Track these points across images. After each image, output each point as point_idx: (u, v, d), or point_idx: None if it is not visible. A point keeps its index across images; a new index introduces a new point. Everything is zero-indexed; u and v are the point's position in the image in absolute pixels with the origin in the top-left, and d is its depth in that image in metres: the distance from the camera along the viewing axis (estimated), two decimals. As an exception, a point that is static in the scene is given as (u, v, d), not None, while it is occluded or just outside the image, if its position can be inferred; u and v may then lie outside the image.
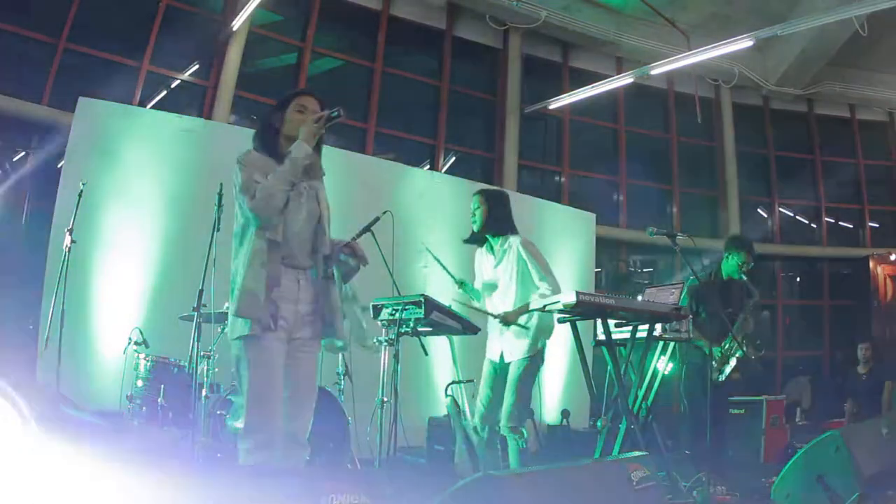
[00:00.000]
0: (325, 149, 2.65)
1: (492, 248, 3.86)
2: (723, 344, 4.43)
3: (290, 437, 2.37)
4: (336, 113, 2.48)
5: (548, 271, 3.72)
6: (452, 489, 2.02)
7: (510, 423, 3.60)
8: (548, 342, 3.76)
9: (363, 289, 4.37)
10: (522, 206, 7.35)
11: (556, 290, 3.66)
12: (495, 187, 4.03)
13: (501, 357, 3.72)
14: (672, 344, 4.48)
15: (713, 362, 4.35)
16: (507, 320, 3.64)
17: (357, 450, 4.62)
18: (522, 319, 3.66)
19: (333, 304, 2.52)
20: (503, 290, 3.75)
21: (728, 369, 4.47)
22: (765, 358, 9.46)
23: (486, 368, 3.83)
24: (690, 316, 4.31)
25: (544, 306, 3.62)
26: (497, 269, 3.79)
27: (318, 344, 2.52)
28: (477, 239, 3.91)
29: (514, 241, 3.76)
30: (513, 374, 3.64)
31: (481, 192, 3.94)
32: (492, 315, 3.70)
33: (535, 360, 3.66)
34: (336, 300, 2.55)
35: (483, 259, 3.93)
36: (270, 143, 2.52)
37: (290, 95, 2.59)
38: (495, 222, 3.81)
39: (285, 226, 2.41)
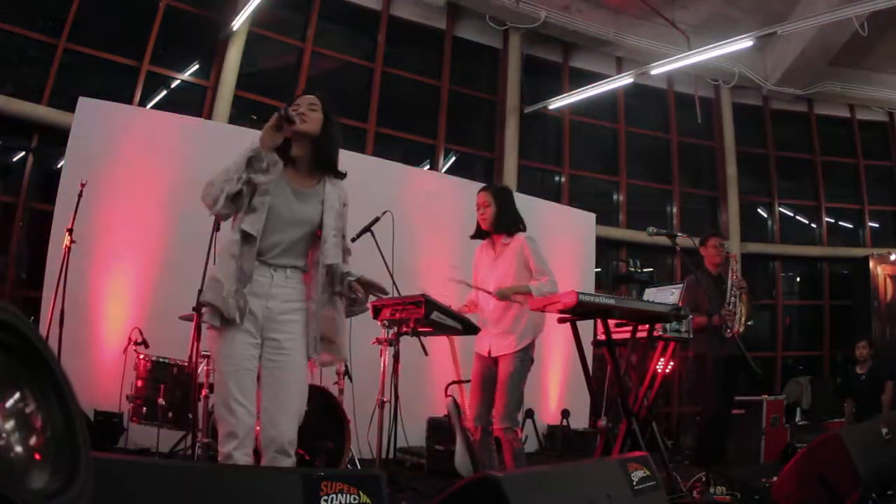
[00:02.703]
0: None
1: (493, 243, 3.83)
2: (720, 311, 4.54)
3: (271, 443, 2.31)
4: (282, 110, 2.40)
5: (548, 269, 3.69)
6: (452, 489, 2.02)
7: (503, 424, 3.52)
8: (538, 340, 3.70)
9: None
10: (522, 206, 7.34)
11: (553, 287, 3.65)
12: (500, 184, 3.95)
13: (490, 353, 3.67)
14: (671, 344, 4.49)
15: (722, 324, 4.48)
16: (503, 294, 3.59)
17: (357, 450, 4.62)
18: (517, 307, 3.62)
19: (332, 322, 2.46)
20: (498, 282, 3.71)
21: (737, 322, 4.69)
22: (765, 358, 9.53)
23: (475, 367, 3.77)
24: (690, 315, 4.33)
25: (544, 306, 3.61)
26: (496, 261, 3.76)
27: (303, 353, 2.43)
28: (483, 235, 3.87)
29: (518, 238, 3.74)
30: (503, 372, 3.59)
31: (489, 190, 3.86)
32: (487, 291, 3.65)
33: (524, 357, 3.60)
34: (335, 318, 2.48)
35: (483, 254, 3.88)
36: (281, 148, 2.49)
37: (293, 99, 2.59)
38: (505, 221, 3.76)
39: (267, 222, 2.38)
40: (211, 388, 4.13)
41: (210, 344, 2.40)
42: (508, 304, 3.63)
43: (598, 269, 8.54)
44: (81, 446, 1.10)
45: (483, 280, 3.82)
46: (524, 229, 3.80)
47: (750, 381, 7.50)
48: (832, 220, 10.55)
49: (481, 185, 4.33)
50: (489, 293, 3.64)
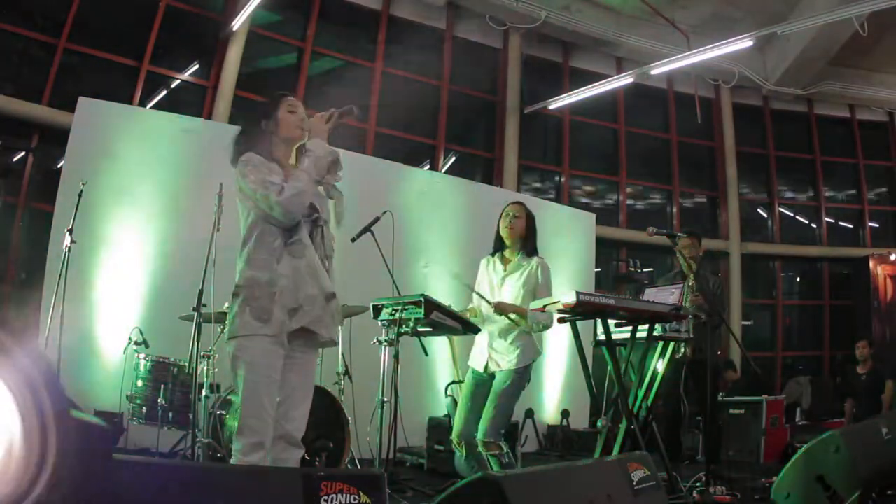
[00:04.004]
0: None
1: (503, 258, 3.72)
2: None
3: (285, 437, 2.36)
4: (350, 110, 2.49)
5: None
6: (452, 489, 2.02)
7: (486, 438, 3.43)
8: (534, 364, 3.61)
9: (363, 289, 4.40)
10: (522, 206, 7.38)
11: (550, 319, 3.60)
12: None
13: (486, 367, 3.60)
14: (671, 344, 4.49)
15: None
16: (500, 308, 3.50)
17: (357, 450, 4.62)
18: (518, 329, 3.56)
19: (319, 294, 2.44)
20: (506, 300, 3.62)
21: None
22: (765, 358, 9.53)
23: (468, 381, 3.71)
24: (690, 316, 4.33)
25: (544, 306, 3.60)
26: (506, 279, 3.66)
27: (311, 343, 2.46)
28: (498, 246, 3.75)
29: (534, 260, 3.64)
30: (497, 386, 3.52)
31: (523, 205, 3.79)
32: (486, 301, 3.58)
33: (521, 376, 3.53)
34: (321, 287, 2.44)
35: (490, 268, 3.77)
36: (264, 148, 2.46)
37: (276, 98, 2.54)
38: (530, 239, 3.69)
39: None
40: (211, 388, 4.14)
41: (238, 352, 2.34)
42: (513, 325, 3.55)
43: (598, 269, 8.54)
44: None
45: (485, 294, 3.72)
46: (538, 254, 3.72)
47: (749, 381, 7.52)
48: (832, 220, 10.55)
49: (482, 185, 4.33)
50: (489, 303, 3.56)
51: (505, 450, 3.47)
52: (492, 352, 3.60)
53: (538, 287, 3.60)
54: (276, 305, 2.31)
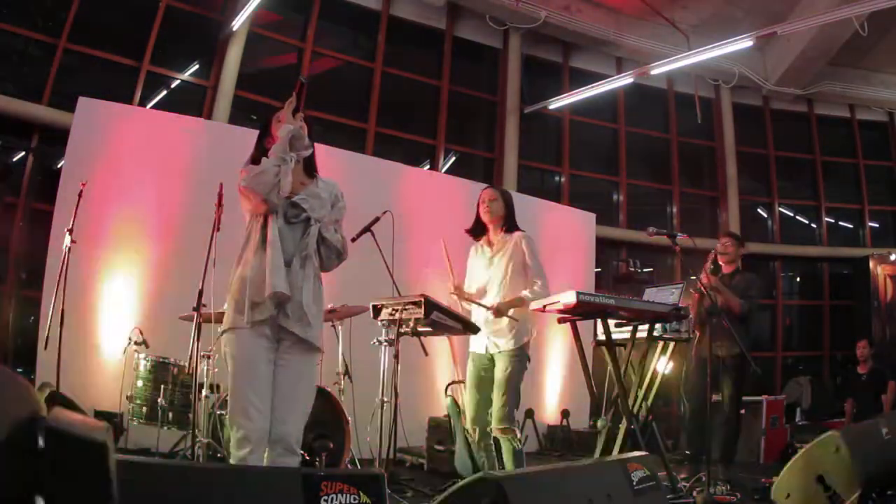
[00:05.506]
0: (325, 149, 2.67)
1: (489, 242, 3.80)
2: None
3: (281, 442, 2.37)
4: (300, 83, 2.58)
5: (542, 272, 3.69)
6: (452, 489, 2.02)
7: (501, 425, 3.51)
8: (535, 340, 3.70)
9: (363, 289, 4.39)
10: (522, 206, 7.35)
11: (545, 292, 3.64)
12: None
13: (487, 349, 3.67)
14: (672, 344, 4.49)
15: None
16: (498, 311, 3.57)
17: (357, 450, 4.62)
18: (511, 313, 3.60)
19: (307, 300, 2.47)
20: (495, 281, 3.70)
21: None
22: (765, 358, 9.52)
23: (471, 366, 3.75)
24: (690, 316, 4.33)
25: (544, 306, 3.61)
26: (493, 259, 3.74)
27: (304, 346, 2.47)
28: (479, 231, 3.84)
29: (517, 235, 3.73)
30: (500, 372, 3.57)
31: (496, 188, 3.95)
32: (484, 306, 3.63)
33: (521, 355, 3.59)
34: (309, 296, 2.47)
35: (478, 254, 3.85)
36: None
37: (268, 118, 2.68)
38: (508, 218, 3.78)
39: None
40: (211, 388, 4.15)
41: (229, 342, 2.46)
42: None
43: (598, 269, 8.54)
44: None
45: (477, 280, 3.80)
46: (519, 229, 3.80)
47: (749, 381, 7.51)
48: (832, 220, 10.54)
49: (481, 185, 4.33)
50: (487, 308, 3.62)
51: (520, 434, 3.56)
52: (489, 333, 3.66)
53: (525, 259, 3.67)
54: (247, 298, 2.39)
